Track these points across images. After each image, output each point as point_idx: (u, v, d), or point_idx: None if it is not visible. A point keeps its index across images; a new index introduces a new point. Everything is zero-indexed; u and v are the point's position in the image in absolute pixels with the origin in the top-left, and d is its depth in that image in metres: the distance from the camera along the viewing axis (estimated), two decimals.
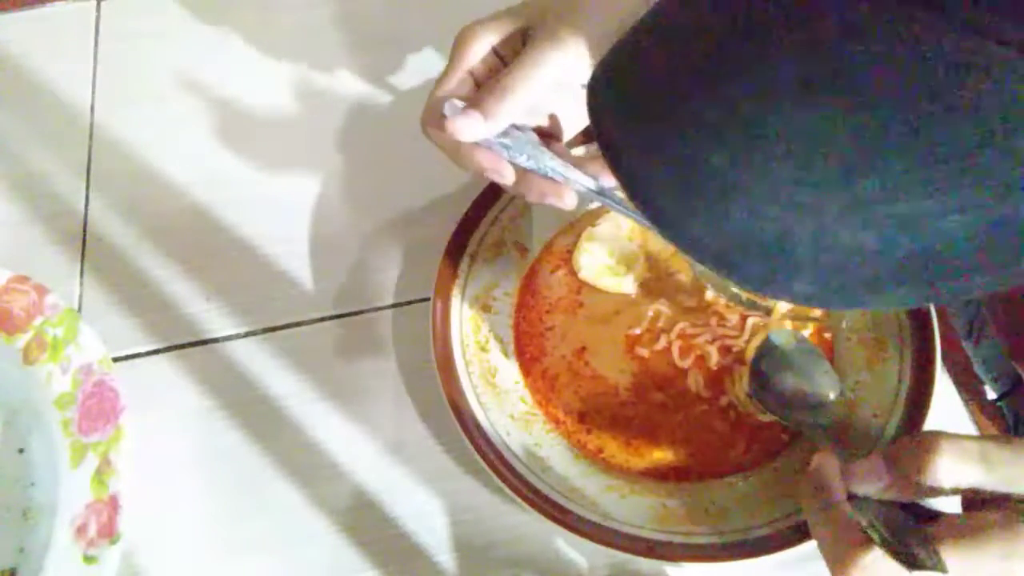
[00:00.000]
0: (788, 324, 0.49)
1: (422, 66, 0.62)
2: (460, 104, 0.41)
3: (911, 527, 0.32)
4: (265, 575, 0.45)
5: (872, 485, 0.35)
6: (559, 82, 0.41)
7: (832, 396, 0.45)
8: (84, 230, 0.56)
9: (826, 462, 0.37)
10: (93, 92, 0.62)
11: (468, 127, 0.40)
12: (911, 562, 0.29)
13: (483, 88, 0.42)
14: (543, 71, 0.41)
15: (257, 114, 0.61)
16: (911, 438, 0.34)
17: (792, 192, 0.22)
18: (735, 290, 0.48)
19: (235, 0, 0.67)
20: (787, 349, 0.46)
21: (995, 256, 0.22)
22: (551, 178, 0.42)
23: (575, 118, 0.45)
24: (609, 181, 0.43)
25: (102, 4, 0.67)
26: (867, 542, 0.31)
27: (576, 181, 0.42)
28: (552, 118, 0.45)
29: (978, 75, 0.20)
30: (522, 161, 0.42)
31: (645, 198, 0.25)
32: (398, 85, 0.61)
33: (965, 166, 0.21)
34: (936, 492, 0.33)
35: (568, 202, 0.42)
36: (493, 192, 0.52)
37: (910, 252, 0.22)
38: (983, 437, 0.33)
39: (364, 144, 0.59)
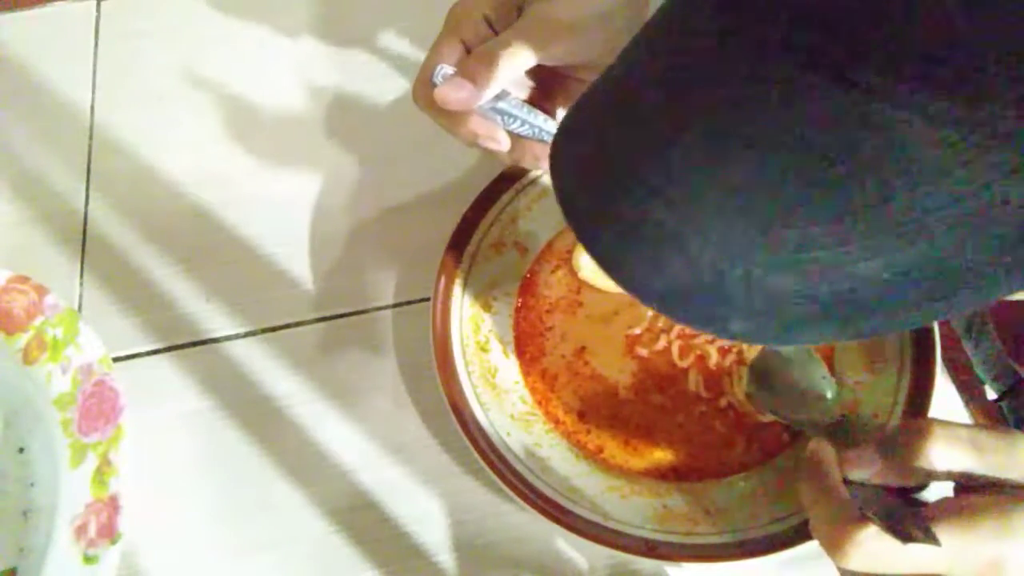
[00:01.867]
0: None
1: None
2: (450, 71, 0.41)
3: (905, 508, 0.33)
4: (265, 575, 0.45)
5: (866, 470, 0.35)
6: (551, 56, 0.41)
7: (829, 395, 0.45)
8: (84, 230, 0.56)
9: (822, 447, 0.37)
10: (93, 92, 0.62)
11: (456, 94, 0.40)
12: (905, 537, 0.29)
13: (472, 55, 0.42)
14: (534, 40, 0.41)
15: (257, 114, 0.61)
16: (904, 425, 0.35)
17: (723, 242, 0.25)
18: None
19: (235, 0, 0.66)
20: (787, 351, 0.46)
21: (910, 296, 0.24)
22: (546, 142, 0.42)
23: (571, 92, 0.45)
24: None
25: (102, 4, 0.67)
26: (862, 520, 0.32)
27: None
28: (541, 91, 0.45)
29: (879, 135, 0.21)
30: (516, 127, 0.42)
31: (595, 246, 0.28)
32: (399, 84, 0.61)
33: (872, 217, 0.22)
34: (929, 476, 0.34)
35: None
36: (493, 192, 0.52)
37: (830, 295, 0.24)
38: (975, 425, 0.34)
39: (364, 144, 0.59)
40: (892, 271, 0.23)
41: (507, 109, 0.42)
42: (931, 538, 0.29)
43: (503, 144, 0.42)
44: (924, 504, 0.34)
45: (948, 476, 0.33)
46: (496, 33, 0.43)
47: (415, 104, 0.43)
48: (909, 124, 0.21)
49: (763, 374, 0.46)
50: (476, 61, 0.40)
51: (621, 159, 0.27)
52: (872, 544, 0.31)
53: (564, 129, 0.30)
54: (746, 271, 0.24)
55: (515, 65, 0.40)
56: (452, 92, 0.40)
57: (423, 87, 0.42)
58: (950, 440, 0.33)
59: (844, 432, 0.44)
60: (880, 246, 0.23)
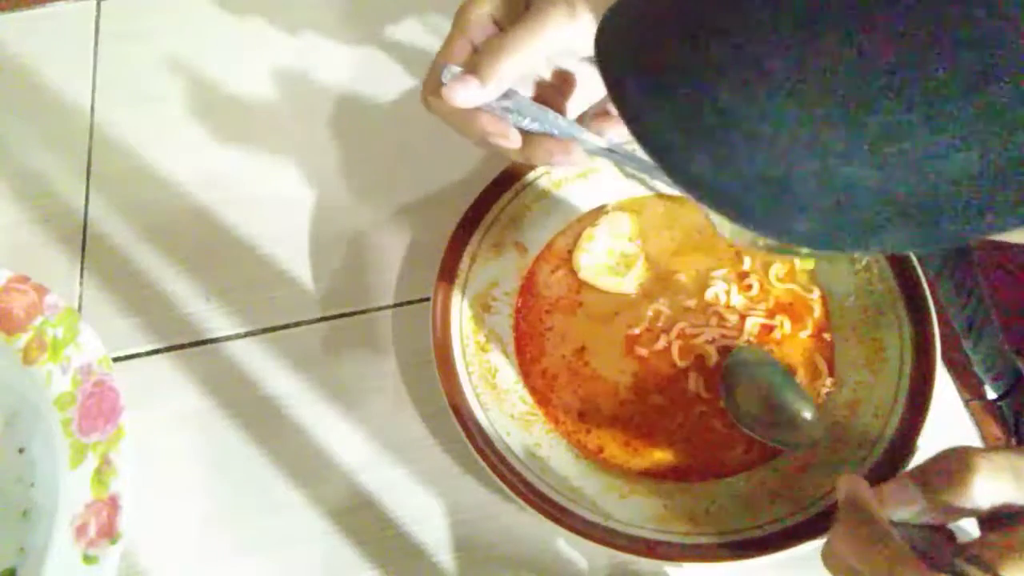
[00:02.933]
0: (786, 320, 0.49)
1: (426, 65, 0.62)
2: (457, 70, 0.41)
3: (963, 553, 0.31)
4: (265, 575, 0.45)
5: (908, 509, 0.33)
6: (559, 51, 0.41)
7: (807, 415, 0.44)
8: (84, 230, 0.56)
9: (859, 488, 0.35)
10: (93, 92, 0.62)
11: (463, 91, 0.40)
12: None
13: (478, 51, 0.41)
14: (541, 36, 0.40)
15: (257, 114, 0.61)
16: (938, 458, 0.33)
17: (796, 130, 0.22)
18: (762, 242, 0.46)
19: (235, 0, 0.66)
20: (752, 365, 0.46)
21: (1001, 196, 0.22)
22: (558, 137, 0.41)
23: (580, 91, 0.44)
24: (617, 137, 0.42)
25: (102, 4, 0.67)
26: (929, 571, 0.29)
27: (584, 139, 0.41)
28: (551, 90, 0.44)
29: (986, 9, 0.19)
30: (526, 124, 0.41)
31: (651, 136, 0.25)
32: (401, 85, 0.61)
33: (970, 103, 0.20)
34: (972, 512, 0.32)
35: (577, 159, 0.42)
36: (493, 192, 0.52)
37: (915, 191, 0.22)
38: (1007, 449, 0.33)
39: (365, 144, 0.59)
40: (985, 166, 0.21)
41: (516, 107, 0.41)
42: None
43: (514, 141, 0.42)
44: (969, 543, 0.32)
45: (990, 509, 0.32)
46: (502, 30, 0.43)
47: (424, 106, 0.43)
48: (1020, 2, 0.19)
49: (731, 386, 0.46)
50: (481, 58, 0.40)
51: (681, 30, 0.24)
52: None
53: (611, 12, 0.28)
54: (821, 161, 0.22)
55: (520, 60, 0.40)
56: (459, 89, 0.39)
57: (432, 88, 0.42)
58: (994, 472, 0.31)
59: (823, 450, 0.44)
60: (976, 137, 0.21)
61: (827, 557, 0.35)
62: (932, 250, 0.68)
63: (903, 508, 0.33)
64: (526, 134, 0.42)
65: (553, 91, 0.45)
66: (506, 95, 0.41)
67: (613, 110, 0.44)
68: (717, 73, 0.23)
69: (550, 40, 0.40)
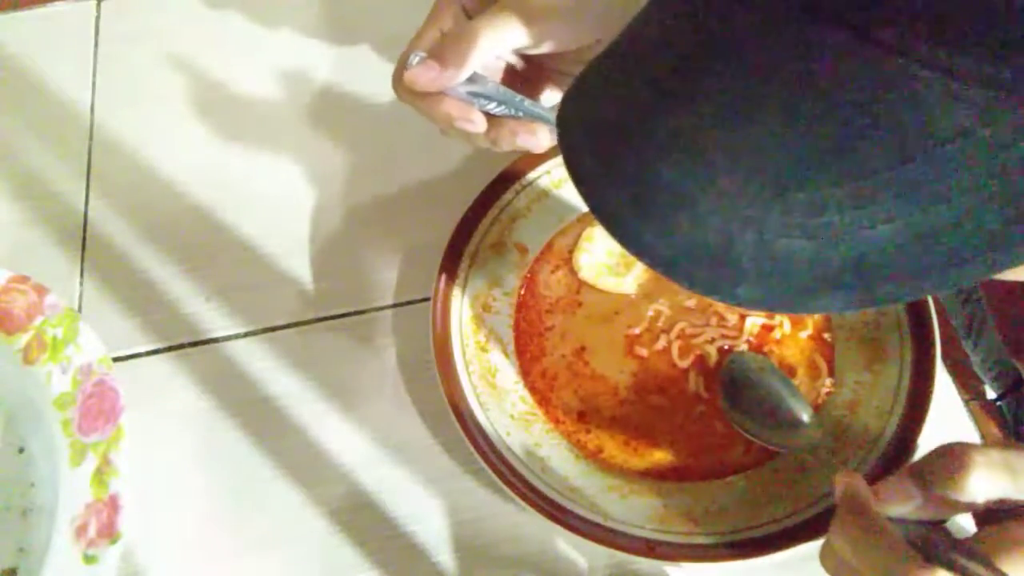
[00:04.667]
0: (786, 320, 0.49)
1: None
2: (423, 55, 0.41)
3: (961, 547, 0.31)
4: (265, 575, 0.45)
5: (905, 506, 0.33)
6: (523, 46, 0.41)
7: (805, 418, 0.44)
8: (84, 230, 0.56)
9: (857, 485, 0.35)
10: (93, 92, 0.62)
11: (424, 75, 0.40)
12: None
13: (443, 38, 0.42)
14: (503, 30, 0.40)
15: (257, 114, 0.61)
16: (934, 454, 0.34)
17: (734, 204, 0.24)
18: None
19: (235, 0, 0.66)
20: (750, 370, 0.46)
21: (925, 263, 0.23)
22: (522, 119, 0.42)
23: (550, 85, 0.45)
24: None
25: (102, 4, 0.67)
26: (927, 566, 0.30)
27: (550, 118, 0.42)
28: (521, 78, 0.45)
29: (900, 94, 0.21)
30: (493, 108, 0.41)
31: (601, 207, 0.27)
32: None
33: (890, 179, 0.22)
34: (969, 508, 0.32)
35: (543, 140, 0.42)
36: (493, 192, 0.52)
37: (843, 260, 0.23)
38: (1002, 445, 0.33)
39: (365, 144, 0.59)
40: (908, 235, 0.22)
41: (482, 91, 0.41)
42: None
43: (478, 125, 0.42)
44: (964, 539, 0.32)
45: (985, 504, 0.32)
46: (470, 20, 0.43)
47: (394, 92, 0.43)
48: (932, 83, 0.21)
49: (731, 389, 0.46)
50: (445, 44, 0.41)
51: (631, 118, 0.26)
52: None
53: (573, 90, 0.30)
54: (757, 234, 0.24)
55: (484, 47, 0.40)
56: (422, 73, 0.40)
57: (400, 74, 0.42)
58: (990, 468, 0.32)
59: (824, 452, 0.44)
60: (897, 209, 0.22)
61: (825, 556, 0.35)
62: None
63: (900, 504, 0.34)
64: (492, 118, 0.42)
65: (523, 79, 0.45)
66: (472, 80, 0.41)
67: None
68: (663, 152, 0.25)
69: (511, 37, 0.41)
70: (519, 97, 0.42)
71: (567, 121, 0.29)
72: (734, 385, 0.46)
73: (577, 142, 0.28)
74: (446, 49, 0.40)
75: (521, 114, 0.42)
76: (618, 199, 0.26)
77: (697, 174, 0.24)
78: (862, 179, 0.22)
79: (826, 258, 0.23)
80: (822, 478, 0.43)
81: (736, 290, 0.25)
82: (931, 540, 0.32)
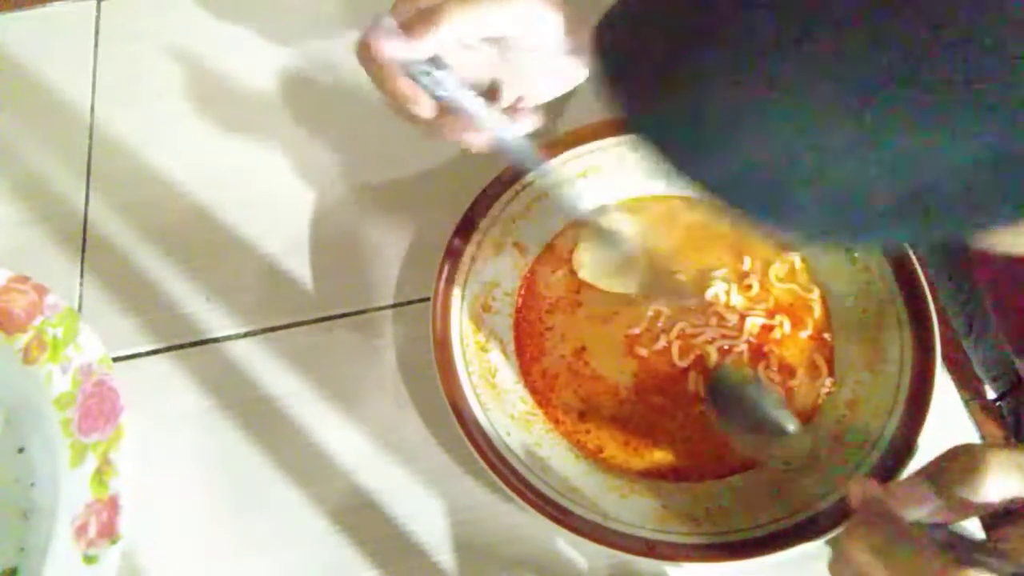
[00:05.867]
0: (786, 320, 0.49)
1: None
2: (392, 23, 0.41)
3: (982, 547, 0.31)
4: (265, 575, 0.45)
5: (921, 509, 0.33)
6: (494, 24, 0.41)
7: (791, 428, 0.44)
8: (84, 230, 0.56)
9: (872, 490, 0.35)
10: (93, 92, 0.62)
11: (389, 42, 0.40)
12: None
13: (417, 11, 0.42)
14: (478, 5, 0.40)
15: (258, 114, 0.61)
16: (946, 456, 0.33)
17: (797, 127, 0.22)
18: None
19: (235, 0, 0.66)
20: (736, 383, 0.46)
21: (995, 195, 0.22)
22: (468, 117, 0.42)
23: (509, 90, 0.45)
24: (529, 127, 0.44)
25: (102, 4, 0.67)
26: (963, 567, 0.29)
27: (495, 125, 0.42)
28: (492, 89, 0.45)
29: (971, 10, 0.20)
30: (442, 94, 0.42)
31: (654, 133, 0.26)
32: None
33: (967, 98, 0.20)
34: (982, 509, 0.32)
35: (481, 141, 0.43)
36: (493, 192, 0.52)
37: (910, 187, 0.22)
38: (1010, 447, 0.33)
39: (365, 144, 0.59)
40: (984, 160, 0.21)
41: (439, 77, 0.41)
42: None
43: (424, 110, 0.42)
44: (984, 539, 0.32)
45: (999, 505, 0.32)
46: None
47: (356, 56, 0.43)
48: None
49: (718, 401, 0.46)
50: (416, 16, 0.40)
51: (682, 33, 0.24)
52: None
53: (615, 5, 0.28)
54: (819, 160, 0.22)
55: (453, 25, 0.40)
56: (385, 40, 0.40)
57: (366, 39, 0.42)
58: (1006, 468, 0.31)
59: (812, 464, 0.44)
60: (972, 134, 0.21)
61: (837, 566, 0.34)
62: (930, 249, 0.68)
63: (916, 507, 0.33)
64: (442, 108, 0.42)
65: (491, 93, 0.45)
66: (433, 62, 0.41)
67: (524, 103, 0.45)
68: (721, 73, 0.23)
69: (481, 19, 0.40)
70: (471, 94, 0.42)
71: (608, 39, 0.28)
72: (721, 397, 0.46)
73: (625, 66, 0.26)
74: (414, 20, 0.40)
75: (468, 111, 0.42)
76: (672, 125, 0.25)
77: (757, 95, 0.23)
78: (937, 98, 0.21)
79: (891, 185, 0.22)
80: (822, 478, 0.43)
81: (792, 218, 0.24)
82: (952, 541, 0.32)
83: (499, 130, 0.43)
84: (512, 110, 0.44)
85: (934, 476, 0.33)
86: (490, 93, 0.45)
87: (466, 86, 0.42)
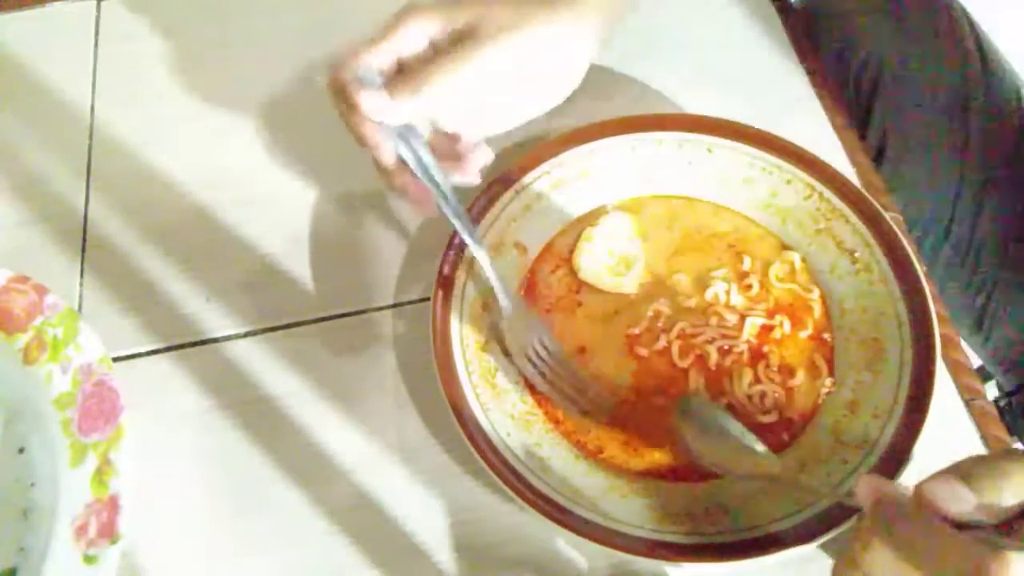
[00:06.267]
0: (786, 320, 0.49)
1: None
2: (377, 77, 0.42)
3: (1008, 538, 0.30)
4: (265, 575, 0.45)
5: (958, 507, 0.31)
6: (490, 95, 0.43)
7: (760, 448, 0.43)
8: (84, 230, 0.56)
9: (884, 487, 0.33)
10: (93, 92, 0.62)
11: (372, 102, 0.41)
12: None
13: (406, 72, 0.43)
14: (470, 70, 0.41)
15: (257, 114, 0.61)
16: (989, 459, 0.32)
17: None
18: None
19: (235, 0, 0.66)
20: (699, 411, 0.46)
21: None
22: (421, 181, 0.45)
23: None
24: (475, 179, 0.47)
25: (102, 4, 0.67)
26: (995, 553, 0.28)
27: (442, 196, 0.46)
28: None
29: None
30: (403, 151, 0.44)
31: None
32: None
33: None
34: (1017, 507, 0.31)
35: (426, 213, 0.47)
36: (493, 192, 0.52)
37: None
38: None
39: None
40: None
41: (408, 138, 0.44)
42: None
43: (385, 160, 0.44)
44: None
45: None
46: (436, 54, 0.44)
47: (326, 84, 0.44)
48: None
49: (685, 434, 0.45)
50: (404, 81, 0.42)
51: None
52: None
53: None
54: None
55: (441, 97, 0.42)
56: (369, 99, 0.42)
57: (339, 73, 0.43)
58: None
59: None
60: None
61: (850, 572, 0.32)
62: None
63: (954, 506, 0.31)
64: (401, 166, 0.45)
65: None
66: (406, 126, 0.44)
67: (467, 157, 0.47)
68: None
69: (483, 73, 0.42)
70: (431, 159, 0.45)
71: None
72: (688, 428, 0.45)
73: None
74: (403, 89, 0.42)
75: (421, 171, 0.45)
76: None
77: None
78: None
79: None
80: (822, 478, 0.43)
81: None
82: (980, 536, 0.30)
83: (444, 205, 0.46)
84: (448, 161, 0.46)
85: (965, 472, 0.32)
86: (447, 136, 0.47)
87: (429, 154, 0.45)
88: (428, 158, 0.45)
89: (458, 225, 0.47)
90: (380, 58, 0.43)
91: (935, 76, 0.67)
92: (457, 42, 0.43)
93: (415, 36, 0.44)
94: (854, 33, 0.68)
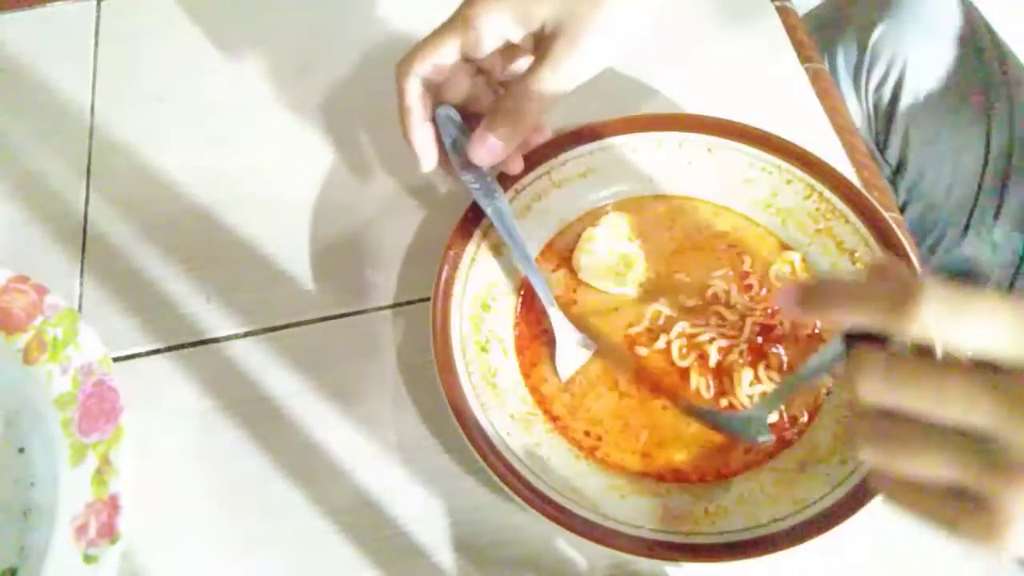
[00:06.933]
0: (785, 322, 0.49)
1: None
2: (455, 115, 0.45)
3: None
4: (265, 575, 0.45)
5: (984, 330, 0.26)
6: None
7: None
8: (84, 230, 0.56)
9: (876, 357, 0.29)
10: (93, 92, 0.62)
11: (486, 153, 0.43)
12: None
13: (500, 110, 0.43)
14: (568, 85, 0.40)
15: (257, 114, 0.61)
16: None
17: None
18: None
19: (236, 0, 0.66)
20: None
21: None
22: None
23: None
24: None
25: (102, 4, 0.67)
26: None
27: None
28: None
29: None
30: (451, 152, 0.47)
31: None
32: None
33: None
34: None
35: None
36: None
37: None
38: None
39: (365, 143, 0.59)
40: None
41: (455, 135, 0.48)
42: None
43: (426, 164, 0.47)
44: None
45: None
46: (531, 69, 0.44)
47: (397, 77, 0.46)
48: None
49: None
50: (504, 119, 0.43)
51: None
52: (941, 297, 0.25)
53: None
54: None
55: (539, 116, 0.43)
56: (481, 151, 0.44)
57: (410, 70, 0.44)
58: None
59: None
60: None
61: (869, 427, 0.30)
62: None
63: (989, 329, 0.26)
64: (444, 159, 0.47)
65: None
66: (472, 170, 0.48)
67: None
68: None
69: (567, 86, 0.42)
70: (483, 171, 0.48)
71: None
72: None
73: None
74: (500, 120, 0.43)
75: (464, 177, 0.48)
76: None
77: None
78: None
79: None
80: (822, 478, 0.43)
81: None
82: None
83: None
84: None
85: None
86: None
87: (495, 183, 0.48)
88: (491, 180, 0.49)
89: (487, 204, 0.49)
90: (441, 56, 0.43)
91: (958, 86, 0.67)
92: (541, 46, 0.41)
93: (486, 36, 0.42)
94: (872, 44, 0.68)
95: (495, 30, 0.41)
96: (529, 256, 0.48)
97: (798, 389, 0.44)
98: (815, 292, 0.30)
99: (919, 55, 0.68)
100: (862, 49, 0.70)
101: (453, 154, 0.48)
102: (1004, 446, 0.26)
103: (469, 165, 0.48)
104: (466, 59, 0.45)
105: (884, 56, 0.68)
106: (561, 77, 0.40)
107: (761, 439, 0.44)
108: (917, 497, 0.29)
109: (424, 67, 0.44)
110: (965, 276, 0.28)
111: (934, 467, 0.28)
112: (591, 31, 0.40)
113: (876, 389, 0.28)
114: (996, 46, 0.68)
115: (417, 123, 0.45)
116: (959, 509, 0.28)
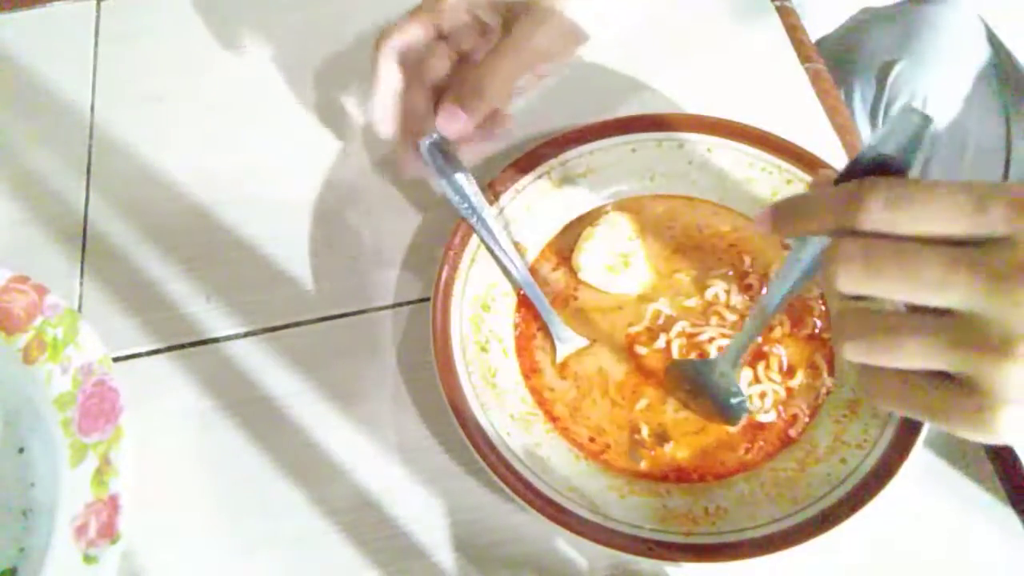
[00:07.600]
0: (786, 320, 0.49)
1: None
2: (435, 143, 0.47)
3: None
4: (265, 575, 0.45)
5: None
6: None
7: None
8: (84, 230, 0.56)
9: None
10: (93, 92, 0.62)
11: (455, 125, 0.42)
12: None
13: (465, 80, 0.43)
14: (533, 58, 0.41)
15: (257, 114, 0.61)
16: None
17: None
18: None
19: (236, 0, 0.66)
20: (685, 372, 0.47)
21: None
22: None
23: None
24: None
25: (102, 4, 0.67)
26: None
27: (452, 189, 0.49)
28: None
29: None
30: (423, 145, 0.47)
31: None
32: None
33: None
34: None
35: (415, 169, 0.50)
36: (493, 192, 0.52)
37: None
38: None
39: (365, 144, 0.59)
40: None
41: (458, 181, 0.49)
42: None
43: (384, 132, 0.47)
44: None
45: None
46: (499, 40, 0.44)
47: (372, 55, 0.46)
48: None
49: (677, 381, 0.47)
50: (470, 94, 0.43)
51: None
52: (886, 187, 0.26)
53: None
54: None
55: (507, 91, 0.43)
56: (450, 123, 0.44)
57: (388, 43, 0.45)
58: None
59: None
60: None
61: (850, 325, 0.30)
62: None
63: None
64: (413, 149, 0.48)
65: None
66: (454, 166, 0.49)
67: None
68: None
69: (535, 59, 0.43)
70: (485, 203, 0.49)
71: None
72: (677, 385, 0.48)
73: None
74: (467, 94, 0.43)
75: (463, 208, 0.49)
76: None
77: None
78: None
79: None
80: (822, 478, 0.43)
81: None
82: None
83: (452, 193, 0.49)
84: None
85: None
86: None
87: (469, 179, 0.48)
88: (465, 176, 0.49)
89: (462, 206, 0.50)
90: (407, 33, 0.43)
91: (978, 109, 0.66)
92: (506, 23, 0.43)
93: (456, 12, 0.43)
94: (891, 82, 0.68)
95: (462, 3, 0.44)
96: (521, 267, 0.49)
97: (766, 322, 0.43)
98: (781, 211, 0.32)
99: (940, 90, 0.67)
100: (880, 87, 0.70)
101: (440, 178, 0.50)
102: (985, 324, 0.26)
103: (453, 183, 0.50)
104: (441, 36, 0.45)
105: (904, 93, 0.68)
106: (523, 52, 0.41)
107: (735, 401, 0.45)
108: (905, 390, 0.29)
109: (398, 41, 0.45)
110: None
111: (918, 356, 0.28)
112: (553, 6, 0.42)
113: (855, 276, 0.28)
114: (1016, 70, 0.68)
115: (383, 92, 0.46)
116: (947, 398, 0.27)
